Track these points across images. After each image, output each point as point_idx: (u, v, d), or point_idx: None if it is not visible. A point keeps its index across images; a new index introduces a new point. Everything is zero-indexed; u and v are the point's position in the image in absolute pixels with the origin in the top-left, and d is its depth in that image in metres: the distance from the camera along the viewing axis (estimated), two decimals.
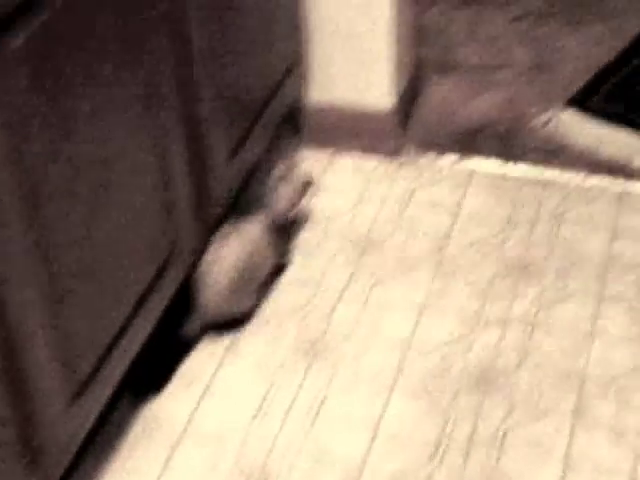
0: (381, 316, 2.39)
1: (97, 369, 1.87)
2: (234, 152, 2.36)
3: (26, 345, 1.63)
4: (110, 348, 1.92)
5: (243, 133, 2.41)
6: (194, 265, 2.26)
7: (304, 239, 2.60)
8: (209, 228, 2.29)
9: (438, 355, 2.29)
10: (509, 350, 2.29)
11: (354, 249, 2.57)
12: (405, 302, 2.42)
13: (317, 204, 2.69)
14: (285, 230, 2.50)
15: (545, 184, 2.72)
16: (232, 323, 2.36)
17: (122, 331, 1.96)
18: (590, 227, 2.59)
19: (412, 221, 2.64)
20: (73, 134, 1.68)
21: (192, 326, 2.30)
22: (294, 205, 2.47)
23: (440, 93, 3.01)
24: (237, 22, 2.30)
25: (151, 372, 2.24)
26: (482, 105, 2.96)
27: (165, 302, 2.13)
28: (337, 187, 2.76)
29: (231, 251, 2.31)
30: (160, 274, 2.09)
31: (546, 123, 2.88)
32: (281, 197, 2.45)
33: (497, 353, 2.28)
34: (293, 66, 2.68)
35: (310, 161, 2.83)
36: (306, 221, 2.64)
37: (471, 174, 2.77)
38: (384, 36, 2.70)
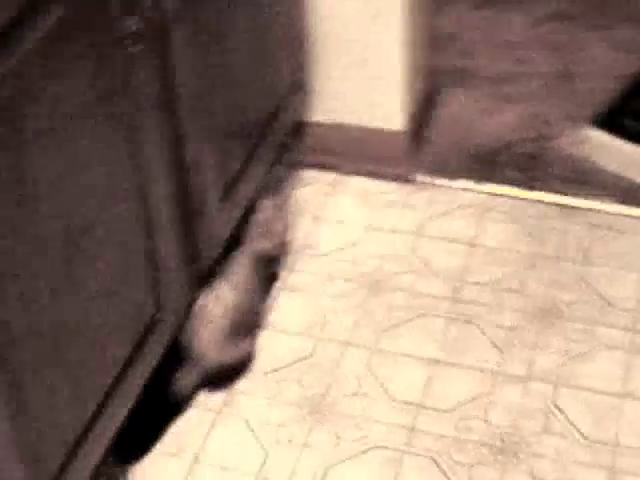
0: (390, 370, 2.16)
1: (73, 453, 1.65)
2: (229, 190, 2.12)
3: None
4: (87, 431, 1.70)
5: (239, 166, 2.18)
6: (182, 323, 2.03)
7: (304, 277, 2.37)
8: (199, 281, 2.06)
9: (453, 419, 2.06)
10: (531, 415, 2.06)
11: (359, 291, 2.33)
12: (417, 353, 2.19)
13: (318, 236, 2.46)
14: (274, 265, 2.31)
15: (570, 214, 2.48)
16: (230, 373, 2.16)
17: (100, 410, 1.73)
18: (621, 265, 2.35)
19: (423, 257, 2.41)
20: (40, 190, 1.45)
21: (187, 381, 2.09)
22: (284, 241, 2.29)
23: (454, 109, 2.77)
24: (227, 47, 2.05)
25: (139, 433, 2.03)
26: (500, 122, 2.71)
27: (150, 368, 1.90)
28: (340, 217, 2.52)
29: (221, 294, 2.11)
30: (143, 339, 1.86)
31: (571, 144, 2.63)
32: (271, 230, 2.25)
33: (518, 417, 2.05)
34: (295, 86, 2.44)
35: (312, 186, 2.59)
36: (305, 253, 2.41)
37: (487, 203, 2.53)
38: (394, 51, 2.45)
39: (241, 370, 2.17)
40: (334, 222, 2.51)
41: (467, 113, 2.75)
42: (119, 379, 1.79)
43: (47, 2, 1.42)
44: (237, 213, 2.18)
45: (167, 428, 2.08)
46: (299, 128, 2.56)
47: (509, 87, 2.83)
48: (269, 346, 2.22)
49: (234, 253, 2.19)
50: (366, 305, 2.30)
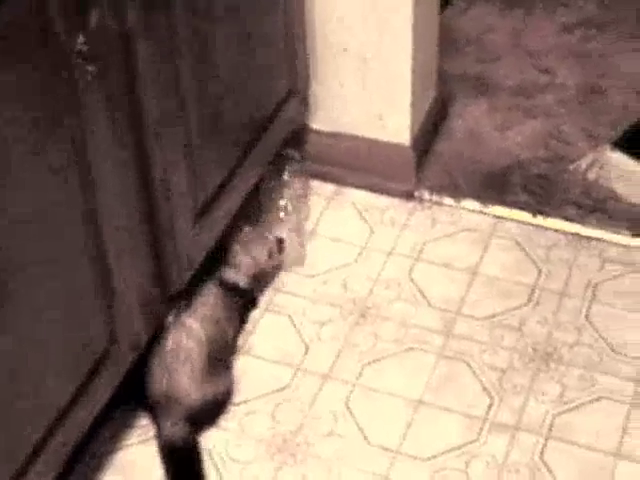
0: (370, 409, 2.01)
1: None
2: (204, 213, 1.97)
3: None
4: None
5: (218, 185, 2.02)
6: (142, 360, 1.89)
7: (290, 299, 2.22)
8: (165, 310, 1.92)
9: (430, 469, 1.92)
10: (516, 469, 1.91)
11: (347, 318, 2.18)
12: (401, 391, 2.04)
13: (310, 254, 2.30)
14: (248, 295, 2.16)
15: (581, 245, 2.31)
16: (211, 412, 2.02)
17: (35, 454, 1.60)
18: (630, 307, 2.18)
19: (419, 284, 2.25)
20: None
21: (175, 428, 1.95)
22: (261, 269, 2.16)
23: (468, 121, 2.59)
24: (209, 56, 1.90)
25: None
26: (515, 139, 2.53)
27: (101, 403, 1.77)
28: (336, 233, 2.37)
29: (194, 329, 1.99)
30: (94, 374, 1.73)
31: (589, 167, 2.45)
32: (242, 264, 2.13)
33: (501, 472, 1.90)
34: (291, 93, 2.27)
35: (310, 198, 2.43)
36: (295, 271, 2.27)
37: (494, 227, 2.36)
38: (402, 57, 2.28)
39: (222, 407, 2.03)
40: (329, 239, 2.36)
41: (481, 126, 2.57)
42: (61, 418, 1.65)
43: None
44: (212, 237, 2.03)
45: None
46: (297, 137, 2.39)
47: (529, 99, 2.64)
48: (243, 373, 2.08)
49: (206, 281, 2.05)
50: (352, 334, 2.15)
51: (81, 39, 1.46)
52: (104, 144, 1.60)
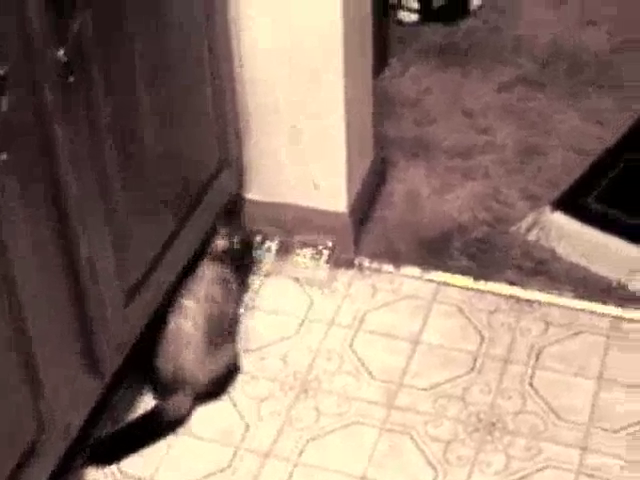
0: None
1: None
2: (135, 290, 1.92)
3: None
4: None
5: (152, 259, 1.97)
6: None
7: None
8: (101, 391, 1.86)
9: None
10: None
11: (287, 393, 2.14)
12: (342, 469, 1.99)
13: (250, 327, 2.25)
14: (237, 256, 2.25)
15: (523, 309, 2.28)
16: (219, 385, 2.11)
17: None
18: (575, 371, 2.15)
19: (361, 355, 2.20)
20: None
21: (182, 407, 2.06)
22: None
23: (406, 184, 2.56)
24: (133, 131, 1.86)
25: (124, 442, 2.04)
26: (454, 203, 2.51)
27: None
28: (275, 305, 2.32)
29: (190, 310, 2.08)
30: (21, 465, 1.66)
31: (529, 228, 2.43)
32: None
33: None
34: (223, 162, 2.23)
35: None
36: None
37: (435, 293, 2.33)
38: (336, 120, 2.24)
39: (228, 379, 2.12)
40: (268, 311, 2.31)
41: (420, 190, 2.55)
42: None
43: None
44: (145, 317, 1.98)
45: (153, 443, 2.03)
46: (233, 209, 2.35)
47: (467, 161, 2.63)
48: (181, 456, 2.02)
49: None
50: (293, 410, 2.10)
51: None
52: (24, 228, 1.55)
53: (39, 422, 1.69)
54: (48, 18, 1.51)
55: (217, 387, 2.10)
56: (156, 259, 2.01)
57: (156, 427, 2.05)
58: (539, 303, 2.28)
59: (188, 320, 2.06)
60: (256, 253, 2.38)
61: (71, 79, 1.59)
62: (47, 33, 1.52)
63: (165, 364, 2.06)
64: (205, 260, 2.17)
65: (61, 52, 1.56)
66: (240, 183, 2.34)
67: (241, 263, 2.27)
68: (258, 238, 2.40)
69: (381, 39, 2.77)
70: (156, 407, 2.07)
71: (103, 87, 1.71)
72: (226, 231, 2.25)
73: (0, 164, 1.46)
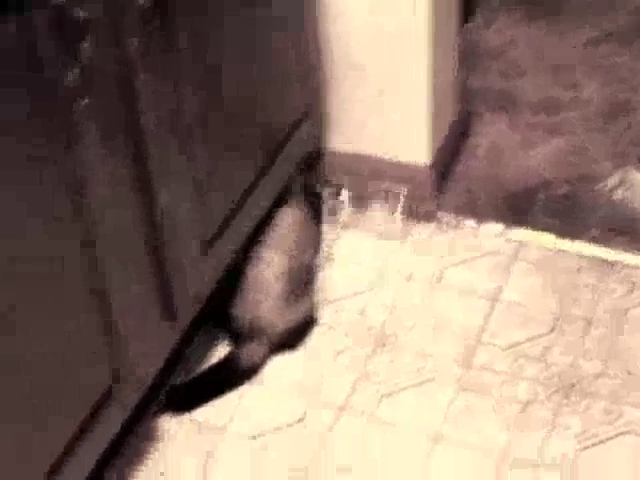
0: (387, 442, 1.94)
1: None
2: (213, 240, 1.90)
3: None
4: None
5: (230, 209, 1.95)
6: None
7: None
8: (177, 342, 1.86)
9: None
10: None
11: (363, 347, 2.11)
12: (417, 426, 1.96)
13: (327, 279, 2.23)
14: (316, 205, 2.24)
15: (608, 270, 2.22)
16: (296, 336, 2.10)
17: None
18: None
19: (438, 312, 2.17)
20: None
21: (258, 355, 2.06)
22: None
23: (490, 138, 2.51)
24: (215, 80, 1.83)
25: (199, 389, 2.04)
26: (538, 158, 2.45)
27: (104, 443, 1.70)
28: (353, 258, 2.30)
29: (269, 258, 2.06)
30: (95, 413, 1.66)
31: (615, 187, 2.36)
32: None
33: None
34: (306, 114, 2.20)
35: (326, 220, 2.36)
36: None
37: (517, 251, 2.28)
38: (419, 74, 2.20)
39: (305, 330, 2.11)
40: (346, 264, 2.28)
41: (503, 145, 2.49)
42: (62, 460, 1.59)
43: None
44: (222, 268, 1.96)
45: (228, 391, 2.03)
46: (313, 159, 2.32)
47: (553, 116, 2.56)
48: (254, 406, 2.01)
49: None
50: (369, 364, 2.08)
51: (74, 73, 1.39)
52: (103, 177, 1.54)
53: (114, 371, 1.68)
54: None
55: (294, 338, 2.09)
56: (235, 208, 1.99)
57: (230, 375, 2.04)
58: (623, 264, 2.22)
59: (268, 270, 2.04)
60: (333, 203, 2.34)
61: (155, 24, 1.56)
62: None
63: (243, 312, 2.05)
64: (283, 208, 2.13)
65: None
66: (321, 134, 2.30)
67: (319, 212, 2.24)
68: (336, 189, 2.36)
69: None
70: (230, 354, 2.06)
71: (186, 33, 1.68)
72: (305, 180, 2.21)
73: (82, 109, 1.44)
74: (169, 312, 1.81)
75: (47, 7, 1.32)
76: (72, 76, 1.39)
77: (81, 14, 1.38)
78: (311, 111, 2.22)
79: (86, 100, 1.43)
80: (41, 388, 1.50)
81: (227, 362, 2.05)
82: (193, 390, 2.03)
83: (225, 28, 1.81)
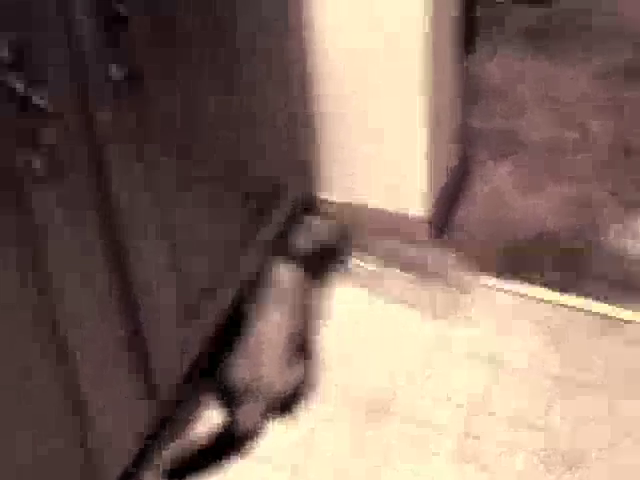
0: None
1: None
2: (199, 302, 1.82)
3: None
4: None
5: (214, 272, 1.87)
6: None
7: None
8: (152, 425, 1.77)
9: None
10: None
11: (360, 413, 2.01)
12: None
13: (322, 341, 2.14)
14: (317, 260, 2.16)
15: (615, 329, 2.12)
16: (288, 401, 2.01)
17: None
18: None
19: (438, 376, 2.07)
20: None
21: (252, 413, 1.95)
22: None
23: (492, 184, 2.41)
24: (193, 147, 1.74)
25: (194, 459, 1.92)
26: (542, 205, 2.35)
27: None
28: (349, 317, 2.19)
29: (276, 319, 2.00)
30: None
31: (622, 238, 2.26)
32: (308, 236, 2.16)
33: None
34: (295, 168, 2.11)
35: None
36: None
37: (519, 308, 2.18)
38: (416, 121, 2.10)
39: (297, 398, 2.02)
40: (341, 323, 2.18)
41: (504, 192, 2.39)
42: None
43: None
44: (204, 334, 1.87)
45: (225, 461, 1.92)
46: (308, 209, 2.23)
47: (557, 159, 2.46)
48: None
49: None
50: (366, 430, 1.98)
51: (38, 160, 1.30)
52: (72, 261, 1.45)
53: (87, 456, 1.60)
54: None
55: (290, 401, 2.00)
56: (221, 271, 1.90)
57: (228, 443, 1.94)
58: (634, 323, 2.12)
59: (273, 330, 1.98)
60: (334, 259, 2.26)
61: (128, 96, 1.47)
62: None
63: (242, 373, 1.96)
64: (280, 266, 2.06)
65: None
66: (313, 185, 2.21)
67: (320, 268, 2.17)
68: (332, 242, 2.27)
69: (469, 20, 2.61)
70: (226, 422, 1.95)
71: (159, 102, 1.59)
72: (304, 234, 2.13)
73: (46, 195, 1.34)
74: (148, 391, 1.72)
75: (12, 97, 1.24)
76: (36, 164, 1.30)
77: (42, 103, 1.29)
78: (300, 167, 2.13)
79: (51, 185, 1.34)
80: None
81: (224, 429, 1.95)
82: (192, 464, 1.92)
83: (202, 92, 1.72)
